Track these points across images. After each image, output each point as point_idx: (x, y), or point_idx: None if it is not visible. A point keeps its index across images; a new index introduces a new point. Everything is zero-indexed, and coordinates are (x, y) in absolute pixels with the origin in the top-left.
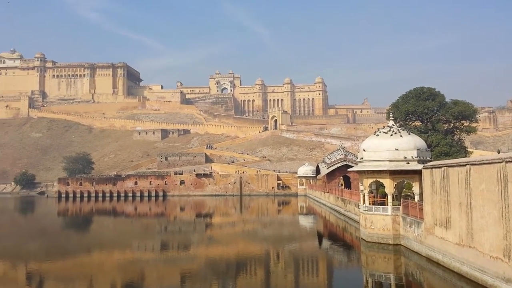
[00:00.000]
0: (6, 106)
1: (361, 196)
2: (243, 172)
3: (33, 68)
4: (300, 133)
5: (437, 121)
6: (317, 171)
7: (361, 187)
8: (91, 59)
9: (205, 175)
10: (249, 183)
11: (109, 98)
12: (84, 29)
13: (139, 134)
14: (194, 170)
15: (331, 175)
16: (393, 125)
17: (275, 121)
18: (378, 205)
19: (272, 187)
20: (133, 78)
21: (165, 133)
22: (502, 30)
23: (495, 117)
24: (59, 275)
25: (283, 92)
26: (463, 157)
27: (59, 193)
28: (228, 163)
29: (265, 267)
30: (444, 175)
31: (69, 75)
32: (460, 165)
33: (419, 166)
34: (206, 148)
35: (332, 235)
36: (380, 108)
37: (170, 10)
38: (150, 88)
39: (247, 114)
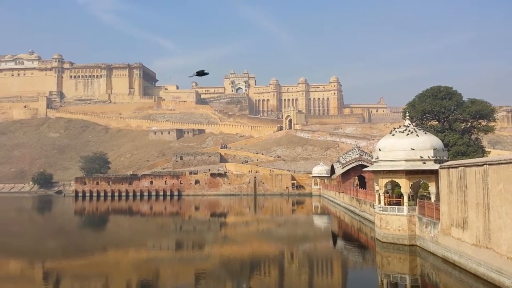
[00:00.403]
0: (25, 107)
1: (377, 196)
2: (257, 172)
3: (51, 69)
4: (315, 133)
5: (454, 121)
6: (332, 171)
7: (377, 187)
8: (107, 60)
9: (220, 175)
10: (263, 183)
11: (125, 98)
12: (100, 30)
13: (155, 134)
14: (209, 170)
15: (346, 175)
16: (409, 124)
17: (290, 120)
18: (394, 205)
19: (287, 187)
20: (149, 79)
21: (180, 133)
22: None
23: None
24: (76, 273)
25: (297, 91)
26: (481, 157)
27: (76, 192)
28: (242, 163)
29: (279, 267)
30: (461, 175)
31: (86, 75)
32: (478, 165)
33: (435, 166)
34: (221, 148)
35: (346, 235)
36: (396, 108)
37: (185, 11)
38: (165, 88)
39: (261, 114)
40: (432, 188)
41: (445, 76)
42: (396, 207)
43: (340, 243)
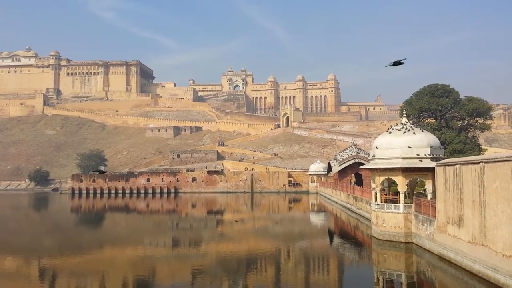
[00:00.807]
0: (21, 104)
1: (373, 193)
2: (252, 169)
3: (48, 66)
4: (312, 130)
5: (451, 118)
6: (329, 168)
7: (373, 185)
8: (105, 57)
9: (217, 172)
10: (260, 181)
11: (122, 95)
12: (99, 28)
13: (152, 131)
14: (206, 167)
15: (342, 173)
16: (406, 122)
17: (287, 118)
18: (390, 203)
19: (283, 185)
20: (146, 76)
21: (177, 130)
22: None
23: (511, 114)
24: (72, 271)
25: (295, 89)
26: (477, 155)
27: (73, 189)
28: (239, 160)
29: (276, 264)
30: (457, 172)
31: (83, 73)
32: (474, 163)
33: (432, 164)
34: (218, 145)
35: (343, 232)
36: (393, 105)
37: (184, 8)
38: (163, 86)
39: (259, 112)
40: (428, 185)
41: (442, 75)
42: (393, 204)
43: (336, 240)
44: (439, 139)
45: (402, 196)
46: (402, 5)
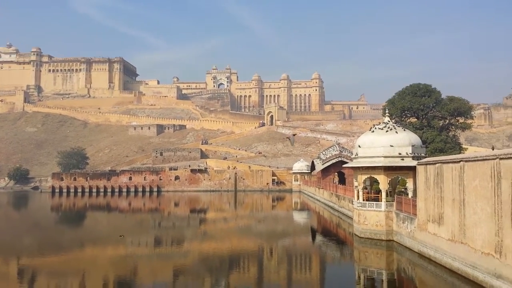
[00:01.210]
0: (1, 101)
1: (355, 192)
2: (234, 168)
3: (29, 63)
4: (296, 129)
5: (433, 118)
6: (312, 167)
7: (356, 183)
8: (87, 54)
9: (200, 171)
10: (244, 179)
11: (105, 93)
12: (80, 24)
13: (135, 129)
14: (189, 166)
15: (326, 171)
16: (389, 121)
17: (271, 116)
18: (372, 201)
19: (267, 183)
20: (129, 73)
21: (160, 128)
22: (504, 30)
23: (491, 114)
24: (52, 270)
25: (279, 87)
26: (458, 154)
27: (53, 188)
28: (223, 159)
29: (258, 263)
30: (438, 171)
31: (65, 69)
32: (454, 162)
33: (413, 163)
34: (202, 144)
35: (325, 230)
36: (376, 105)
37: (168, 5)
38: (146, 83)
39: (243, 110)
40: (409, 184)
41: (425, 75)
42: (374, 203)
43: (319, 238)
44: (421, 138)
45: (383, 194)
46: (386, 6)
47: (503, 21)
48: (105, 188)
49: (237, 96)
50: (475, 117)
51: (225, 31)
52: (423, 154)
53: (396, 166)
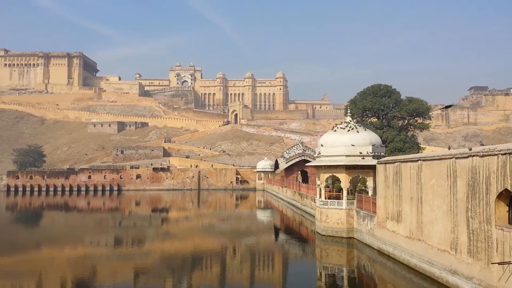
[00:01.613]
0: None
1: (318, 190)
2: (197, 166)
3: None
4: (260, 128)
5: (392, 118)
6: (276, 166)
7: (318, 182)
8: (46, 48)
9: (163, 169)
10: (207, 178)
11: (63, 88)
12: (40, 17)
13: (94, 127)
14: (151, 164)
15: (289, 170)
16: (350, 121)
17: (236, 115)
18: (334, 199)
19: (231, 182)
20: (89, 69)
21: (121, 125)
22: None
23: (448, 115)
24: (6, 271)
25: (244, 86)
26: (416, 153)
27: (8, 186)
28: (186, 157)
29: (221, 262)
30: (397, 170)
31: (22, 64)
32: (413, 161)
33: (373, 162)
34: (164, 142)
35: (288, 229)
36: (339, 104)
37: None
38: (107, 79)
39: (207, 108)
40: (370, 182)
41: (386, 75)
42: (336, 201)
43: (281, 236)
44: (381, 137)
45: (345, 192)
46: (349, 6)
47: (466, 22)
48: (63, 187)
49: (201, 94)
50: (433, 117)
51: (189, 28)
52: (383, 153)
53: (357, 165)
